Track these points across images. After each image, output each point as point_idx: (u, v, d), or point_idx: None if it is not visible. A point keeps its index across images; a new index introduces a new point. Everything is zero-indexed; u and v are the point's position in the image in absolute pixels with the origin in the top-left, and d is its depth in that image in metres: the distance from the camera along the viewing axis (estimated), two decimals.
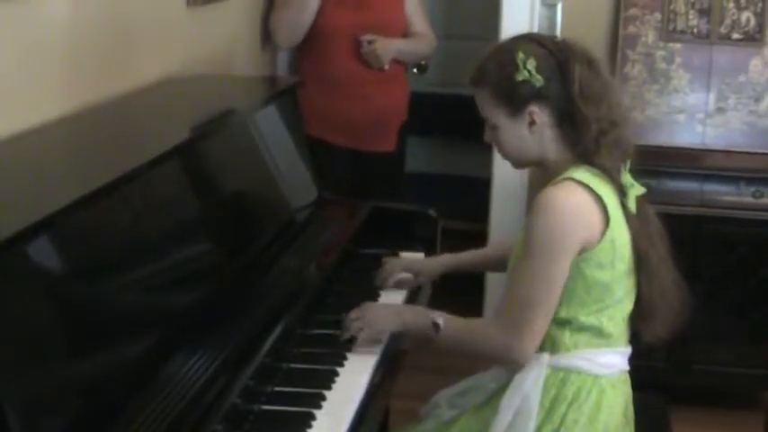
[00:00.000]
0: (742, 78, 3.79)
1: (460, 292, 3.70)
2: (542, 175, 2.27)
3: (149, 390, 1.80)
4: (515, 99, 2.16)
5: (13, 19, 2.21)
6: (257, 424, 1.95)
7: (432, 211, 3.02)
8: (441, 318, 2.22)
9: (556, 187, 2.14)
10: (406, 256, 2.83)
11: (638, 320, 2.23)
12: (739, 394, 3.85)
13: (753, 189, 3.58)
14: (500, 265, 2.52)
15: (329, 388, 2.11)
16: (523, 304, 2.11)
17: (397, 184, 3.92)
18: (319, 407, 2.04)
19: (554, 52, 2.17)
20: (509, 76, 2.15)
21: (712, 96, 3.79)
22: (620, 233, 2.14)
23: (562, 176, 2.15)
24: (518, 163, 2.29)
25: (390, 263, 2.68)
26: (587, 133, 2.15)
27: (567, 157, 2.19)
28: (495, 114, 2.20)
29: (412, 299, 2.64)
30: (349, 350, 2.29)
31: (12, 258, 1.58)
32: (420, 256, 2.84)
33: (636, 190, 2.18)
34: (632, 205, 2.17)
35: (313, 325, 2.39)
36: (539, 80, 2.14)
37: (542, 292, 2.10)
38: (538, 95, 2.15)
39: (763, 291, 3.60)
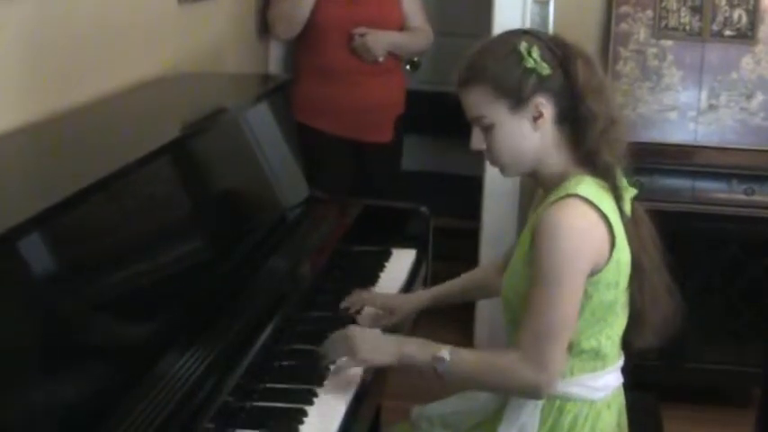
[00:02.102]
0: (734, 76, 3.79)
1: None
2: (534, 183, 2.18)
3: (141, 387, 1.80)
4: (521, 90, 2.02)
5: (13, 18, 2.23)
6: (249, 421, 1.94)
7: (424, 209, 3.02)
8: (446, 350, 2.06)
9: (562, 207, 2.00)
10: (380, 291, 2.62)
11: (628, 328, 2.15)
12: (731, 392, 3.86)
13: (744, 186, 3.58)
14: (489, 291, 2.44)
15: (321, 385, 2.10)
16: (547, 335, 1.99)
17: (393, 176, 3.98)
18: (311, 403, 2.03)
19: (552, 46, 2.06)
20: (512, 67, 2.02)
21: (704, 94, 3.80)
22: (624, 250, 2.05)
23: (564, 191, 2.02)
24: (513, 166, 2.12)
25: (356, 295, 2.47)
26: (593, 130, 2.04)
27: (566, 159, 2.08)
28: (493, 111, 2.04)
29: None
30: None
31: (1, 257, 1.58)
32: (394, 290, 2.65)
33: (629, 192, 2.11)
34: (627, 209, 2.09)
35: (305, 322, 2.38)
36: (545, 68, 2.02)
37: (564, 320, 1.99)
38: (544, 86, 2.02)
39: (755, 288, 3.61)
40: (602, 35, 3.92)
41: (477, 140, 2.10)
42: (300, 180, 2.95)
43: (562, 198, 2.02)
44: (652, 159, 3.56)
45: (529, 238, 2.07)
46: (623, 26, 3.85)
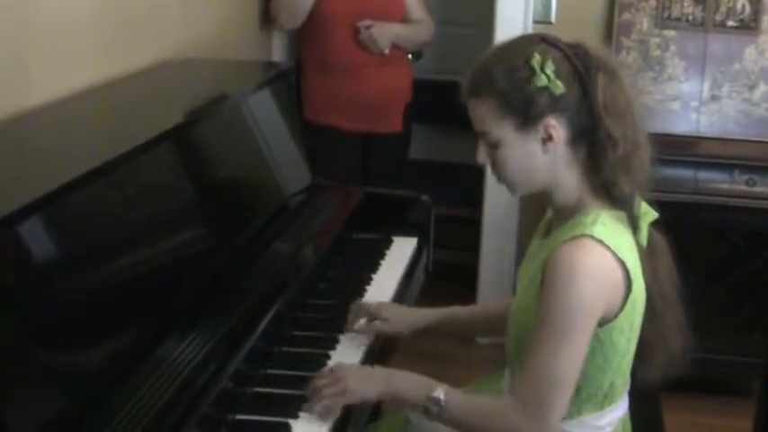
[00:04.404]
0: (736, 66, 3.79)
1: (454, 288, 3.71)
2: (541, 198, 2.02)
3: (141, 372, 1.80)
4: (530, 109, 1.86)
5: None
6: (249, 407, 1.95)
7: (425, 197, 3.02)
8: (441, 391, 1.92)
9: (577, 248, 1.85)
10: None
11: (633, 359, 2.02)
12: (731, 382, 3.86)
13: (746, 177, 3.58)
14: (489, 327, 2.32)
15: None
16: (550, 386, 1.85)
17: (399, 165, 3.99)
18: None
19: (571, 57, 1.89)
20: (522, 82, 1.86)
21: (707, 84, 3.79)
22: (641, 292, 1.92)
23: (580, 229, 1.87)
24: (520, 187, 1.97)
25: (356, 306, 2.34)
26: (611, 155, 1.88)
27: (580, 186, 1.93)
28: (500, 128, 1.89)
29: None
30: (341, 333, 2.29)
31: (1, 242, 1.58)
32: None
33: (648, 217, 1.97)
34: (644, 239, 1.96)
35: (305, 309, 2.38)
36: (558, 87, 1.85)
37: (568, 370, 1.85)
38: (556, 106, 1.86)
39: (756, 279, 3.61)
40: (605, 25, 3.91)
41: (483, 155, 1.97)
42: (302, 167, 2.95)
43: (577, 237, 1.87)
44: (654, 150, 3.55)
45: (539, 272, 1.92)
46: (626, 16, 3.85)
